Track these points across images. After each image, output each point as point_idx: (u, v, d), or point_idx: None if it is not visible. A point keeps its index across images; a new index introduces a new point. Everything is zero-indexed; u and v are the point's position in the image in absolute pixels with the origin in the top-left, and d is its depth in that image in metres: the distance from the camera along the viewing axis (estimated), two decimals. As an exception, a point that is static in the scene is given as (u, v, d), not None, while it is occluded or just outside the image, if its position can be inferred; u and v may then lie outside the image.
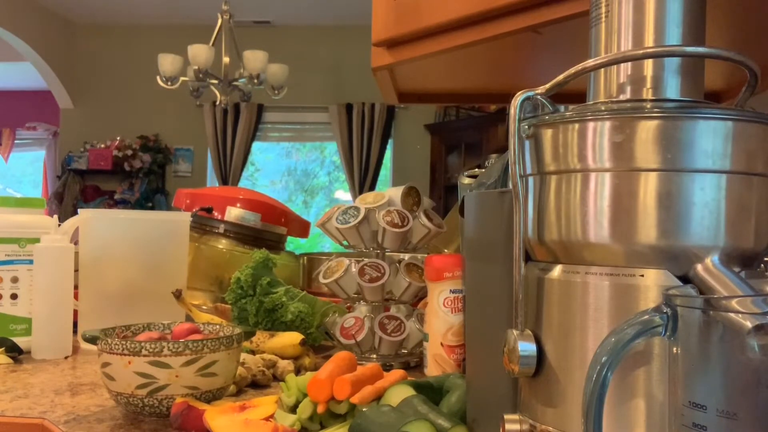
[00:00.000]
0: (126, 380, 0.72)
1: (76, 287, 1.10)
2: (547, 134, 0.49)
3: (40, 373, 0.94)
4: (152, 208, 5.99)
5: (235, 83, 4.41)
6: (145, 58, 5.56)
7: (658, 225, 0.44)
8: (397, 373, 0.77)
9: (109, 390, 0.74)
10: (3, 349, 1.02)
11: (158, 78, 4.30)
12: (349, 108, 6.14)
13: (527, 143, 0.50)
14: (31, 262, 1.06)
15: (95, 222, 1.13)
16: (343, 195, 6.72)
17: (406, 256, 1.10)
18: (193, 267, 1.31)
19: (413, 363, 1.02)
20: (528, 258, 0.52)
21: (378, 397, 0.69)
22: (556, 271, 0.49)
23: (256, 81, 4.24)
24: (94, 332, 0.79)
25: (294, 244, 3.85)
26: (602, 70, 0.50)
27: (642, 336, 0.41)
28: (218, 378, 0.75)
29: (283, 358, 0.95)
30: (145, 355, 0.71)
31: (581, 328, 0.47)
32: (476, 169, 1.20)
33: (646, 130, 0.45)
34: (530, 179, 0.51)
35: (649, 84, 0.49)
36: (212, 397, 0.75)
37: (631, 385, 0.44)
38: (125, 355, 0.72)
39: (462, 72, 1.04)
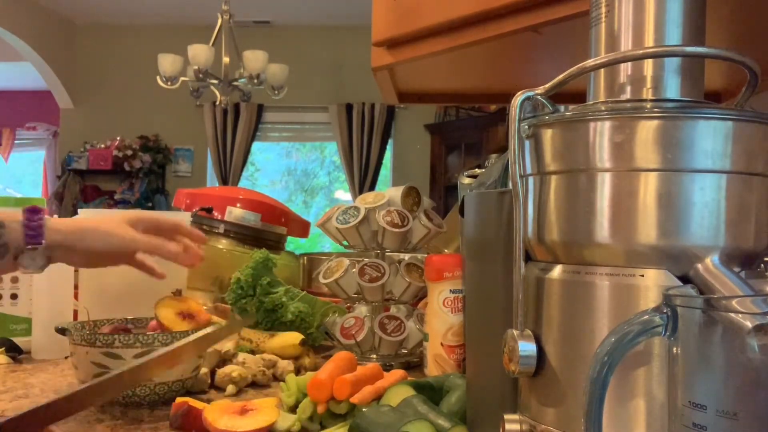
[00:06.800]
0: (85, 369, 0.78)
1: (76, 287, 1.10)
2: (547, 134, 0.49)
3: (40, 373, 0.94)
4: (152, 208, 5.98)
5: (235, 83, 4.40)
6: (145, 58, 5.54)
7: (658, 225, 0.44)
8: (397, 373, 0.77)
9: (77, 378, 0.80)
10: (3, 349, 1.02)
11: (158, 78, 4.29)
12: (349, 108, 6.14)
13: (527, 143, 0.50)
14: (31, 262, 1.06)
15: (95, 222, 1.13)
16: (343, 195, 6.72)
17: (406, 256, 1.10)
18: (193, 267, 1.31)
19: (413, 363, 1.02)
20: (528, 258, 0.52)
21: (378, 397, 0.69)
22: (556, 271, 0.49)
23: (256, 81, 4.24)
24: (65, 324, 0.84)
25: (294, 244, 3.84)
26: (602, 70, 0.50)
27: (642, 336, 0.41)
28: (171, 371, 0.78)
29: (283, 358, 0.95)
30: (99, 346, 0.76)
31: (581, 328, 0.47)
32: (476, 169, 1.20)
33: (646, 130, 0.45)
34: (530, 179, 0.51)
35: (649, 84, 0.49)
36: (168, 390, 0.79)
37: (631, 385, 0.44)
38: (83, 345, 0.77)
39: (462, 72, 1.04)
